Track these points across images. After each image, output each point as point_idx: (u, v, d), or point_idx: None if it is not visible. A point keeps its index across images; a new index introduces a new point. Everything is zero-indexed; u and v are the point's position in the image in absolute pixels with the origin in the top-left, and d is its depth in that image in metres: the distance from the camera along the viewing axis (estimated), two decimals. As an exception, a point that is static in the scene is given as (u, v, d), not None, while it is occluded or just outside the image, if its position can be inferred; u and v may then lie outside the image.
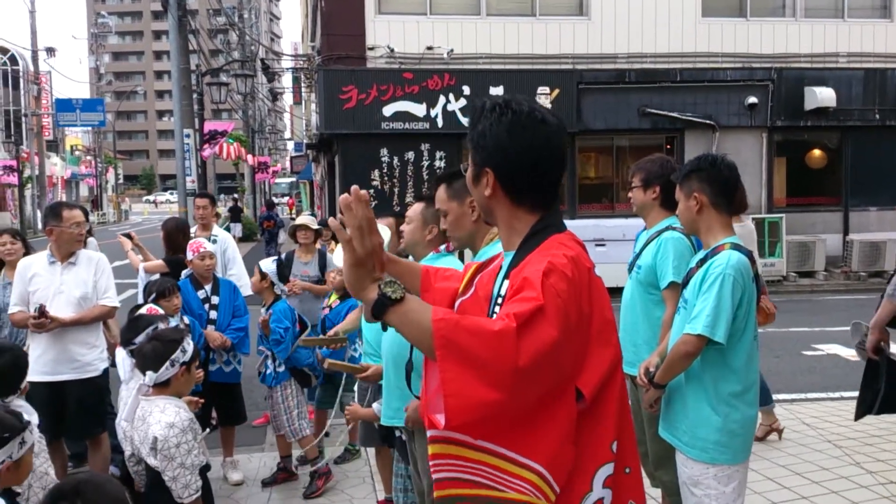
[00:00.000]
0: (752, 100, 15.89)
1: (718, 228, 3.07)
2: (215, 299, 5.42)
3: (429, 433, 1.55)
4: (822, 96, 15.74)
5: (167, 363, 3.10)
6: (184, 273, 5.66)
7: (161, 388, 3.14)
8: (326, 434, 6.23)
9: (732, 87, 15.92)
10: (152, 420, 3.04)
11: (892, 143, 16.40)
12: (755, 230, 12.71)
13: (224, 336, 5.27)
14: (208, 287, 5.43)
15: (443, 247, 3.39)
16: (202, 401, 4.06)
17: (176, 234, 6.28)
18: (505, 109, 1.76)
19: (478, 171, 1.82)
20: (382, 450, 4.54)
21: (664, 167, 3.81)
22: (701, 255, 3.13)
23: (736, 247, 2.98)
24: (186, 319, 5.05)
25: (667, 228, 3.74)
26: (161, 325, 3.77)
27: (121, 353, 3.31)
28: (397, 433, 3.74)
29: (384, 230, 3.65)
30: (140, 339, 3.61)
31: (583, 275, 1.69)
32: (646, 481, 4.31)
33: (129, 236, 6.71)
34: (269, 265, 5.58)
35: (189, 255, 5.43)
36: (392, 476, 4.42)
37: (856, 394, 4.48)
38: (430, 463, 1.55)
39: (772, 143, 16.30)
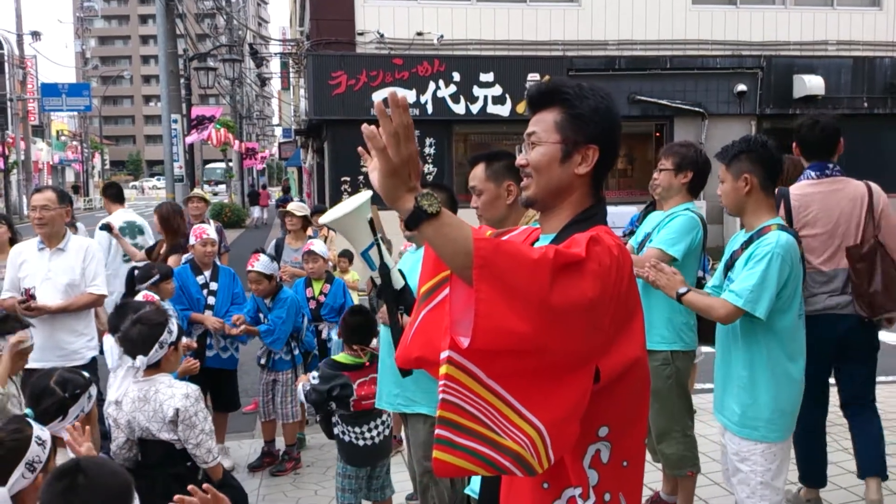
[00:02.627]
0: (742, 87, 15.91)
1: (764, 210, 3.12)
2: (214, 285, 5.42)
3: (446, 353, 1.52)
4: (811, 84, 15.77)
5: (156, 346, 3.15)
6: (184, 258, 5.67)
7: (152, 369, 3.19)
8: (318, 421, 6.25)
9: (722, 74, 15.92)
10: (162, 396, 3.12)
11: (880, 131, 16.46)
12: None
13: (220, 320, 5.24)
14: (207, 273, 5.44)
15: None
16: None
17: (172, 217, 6.29)
18: (603, 93, 1.86)
19: (576, 147, 1.83)
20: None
21: (698, 153, 3.86)
22: (744, 236, 3.16)
23: (783, 227, 3.03)
24: (170, 306, 5.04)
25: (684, 210, 3.79)
26: (149, 309, 3.76)
27: (108, 341, 3.32)
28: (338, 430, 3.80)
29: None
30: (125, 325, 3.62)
31: (626, 264, 1.70)
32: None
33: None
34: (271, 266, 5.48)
35: (191, 240, 5.50)
36: None
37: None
38: (440, 383, 1.53)
39: (760, 130, 16.30)
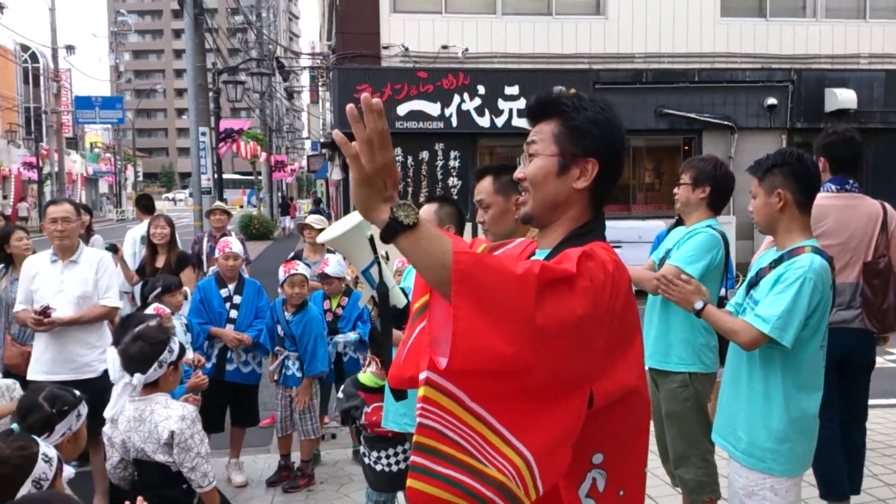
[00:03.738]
0: (772, 101, 15.69)
1: (798, 229, 2.91)
2: (237, 299, 5.38)
3: (425, 374, 1.44)
4: (843, 98, 15.51)
5: (155, 364, 3.08)
6: (211, 270, 5.66)
7: (150, 387, 3.12)
8: (333, 436, 6.19)
9: (751, 87, 15.72)
10: (158, 417, 3.05)
11: (914, 145, 16.14)
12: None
13: (239, 333, 5.20)
14: (232, 286, 5.42)
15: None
16: (199, 398, 4.00)
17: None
18: (603, 104, 1.77)
19: (574, 160, 1.74)
20: None
21: (717, 168, 3.75)
22: (774, 255, 2.96)
23: (817, 250, 2.83)
24: (185, 319, 5.00)
25: (706, 227, 3.67)
26: (153, 325, 3.72)
27: (111, 353, 3.27)
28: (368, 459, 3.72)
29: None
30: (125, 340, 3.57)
31: (622, 280, 1.60)
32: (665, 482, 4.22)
33: (114, 249, 6.70)
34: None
35: (216, 254, 5.53)
36: None
37: (878, 402, 4.36)
38: (418, 406, 1.43)
39: (791, 144, 16.05)
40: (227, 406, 5.37)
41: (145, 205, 8.15)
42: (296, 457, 5.30)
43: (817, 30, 16.13)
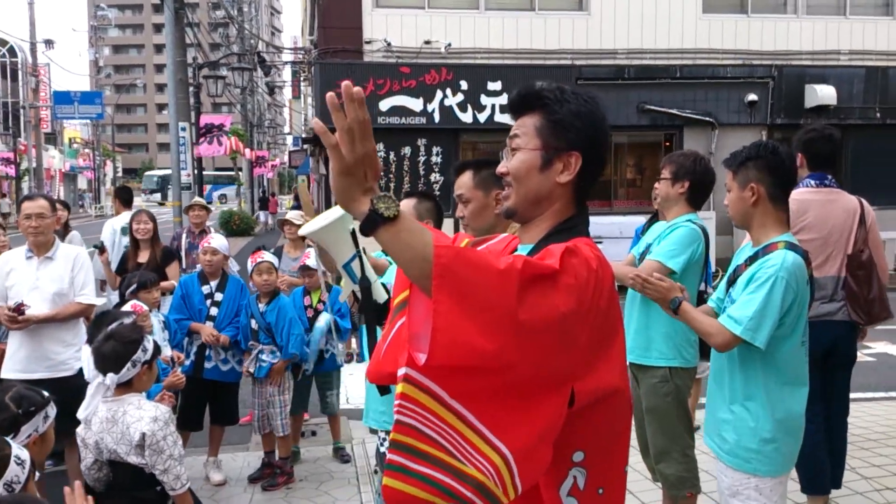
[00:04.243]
0: (752, 97, 15.77)
1: (772, 224, 2.86)
2: (219, 296, 5.31)
3: (403, 370, 1.40)
4: (823, 94, 15.62)
5: (128, 364, 3.01)
6: (198, 266, 5.61)
7: (123, 387, 3.05)
8: (313, 433, 6.14)
9: (732, 84, 15.79)
10: (130, 419, 2.97)
11: (892, 141, 16.28)
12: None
13: (216, 332, 5.15)
14: (214, 283, 5.34)
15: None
16: (173, 396, 3.95)
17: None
18: (587, 97, 1.74)
19: (557, 154, 1.71)
20: None
21: (696, 163, 3.73)
22: (749, 251, 2.91)
23: (791, 246, 2.77)
24: (162, 316, 4.94)
25: (686, 222, 3.66)
26: (127, 322, 3.65)
27: (86, 352, 3.20)
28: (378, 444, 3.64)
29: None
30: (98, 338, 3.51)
31: (606, 277, 1.57)
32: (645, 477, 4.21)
33: (101, 249, 6.63)
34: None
35: (196, 250, 5.45)
36: None
37: (855, 395, 4.38)
38: (396, 402, 1.40)
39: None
40: (206, 404, 5.32)
41: (125, 198, 8.11)
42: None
43: (798, 26, 16.22)
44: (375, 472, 5.20)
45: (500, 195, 2.89)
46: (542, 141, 1.72)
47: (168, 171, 52.10)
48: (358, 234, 2.86)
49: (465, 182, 2.93)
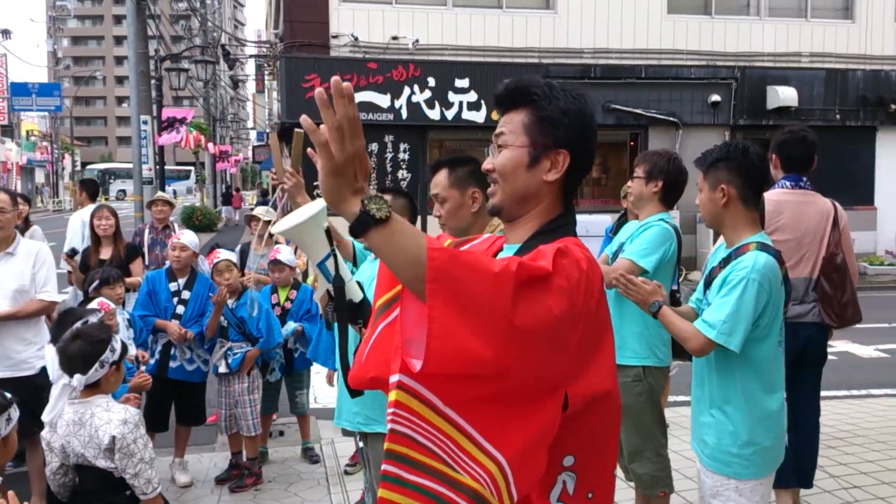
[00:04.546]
0: (716, 98, 15.95)
1: (744, 225, 2.84)
2: (186, 294, 5.19)
3: (396, 377, 1.36)
4: (785, 95, 15.86)
5: (96, 365, 2.90)
6: (168, 263, 5.50)
7: (91, 389, 2.95)
8: (281, 433, 6.06)
9: (696, 84, 15.96)
10: (98, 421, 2.88)
11: (852, 143, 16.59)
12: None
13: (183, 329, 5.03)
14: (182, 280, 5.22)
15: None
16: (139, 397, 3.85)
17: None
18: (575, 93, 1.70)
19: (545, 152, 1.67)
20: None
21: (670, 162, 3.71)
22: (723, 253, 2.90)
23: (763, 247, 2.75)
24: (127, 314, 4.82)
25: (658, 221, 3.65)
26: (93, 320, 3.55)
27: (50, 351, 3.09)
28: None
29: None
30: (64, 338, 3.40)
31: (596, 279, 1.54)
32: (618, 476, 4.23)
33: (73, 253, 6.50)
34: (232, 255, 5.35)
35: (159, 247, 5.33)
36: None
37: (822, 394, 4.43)
38: (389, 411, 1.36)
39: (734, 141, 16.34)
40: (171, 404, 5.21)
41: (92, 191, 7.97)
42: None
43: (760, 28, 16.44)
44: (345, 472, 5.15)
45: (477, 193, 2.88)
46: (530, 138, 1.68)
47: (110, 165, 50.77)
48: (333, 233, 2.82)
49: (440, 181, 2.89)
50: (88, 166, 57.01)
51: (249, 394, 5.02)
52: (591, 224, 13.01)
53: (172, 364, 5.11)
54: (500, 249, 1.80)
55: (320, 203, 2.82)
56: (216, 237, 25.11)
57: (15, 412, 2.55)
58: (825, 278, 4.04)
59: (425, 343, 1.32)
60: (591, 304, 1.52)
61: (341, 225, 1.43)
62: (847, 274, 4.10)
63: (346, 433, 4.83)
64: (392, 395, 1.38)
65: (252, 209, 9.17)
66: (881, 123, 16.84)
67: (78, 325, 3.07)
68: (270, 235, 6.68)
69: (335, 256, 2.77)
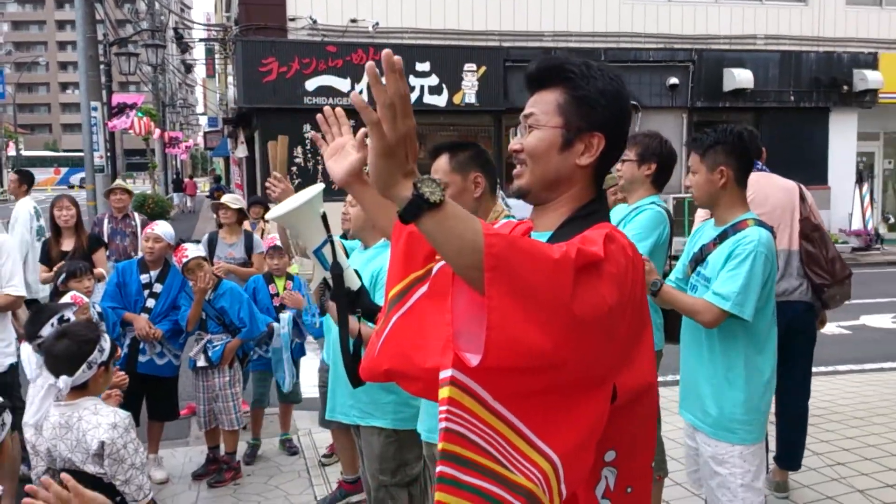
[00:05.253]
0: (674, 80, 16.07)
1: (739, 204, 2.99)
2: (158, 287, 4.99)
3: (449, 373, 1.28)
4: (740, 78, 16.06)
5: (84, 366, 2.74)
6: (140, 253, 5.29)
7: (78, 390, 2.78)
8: (244, 427, 5.91)
9: (654, 67, 16.05)
10: (86, 425, 2.72)
11: (805, 124, 16.88)
12: (675, 210, 12.87)
13: (151, 324, 4.86)
14: (154, 273, 5.02)
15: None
16: (120, 395, 3.70)
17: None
18: (613, 74, 1.62)
19: (578, 134, 1.59)
20: (342, 431, 4.27)
21: (662, 144, 3.67)
22: (716, 230, 3.01)
23: (760, 223, 2.92)
24: (99, 307, 4.63)
25: (650, 204, 3.61)
26: (69, 314, 3.37)
27: (26, 350, 2.92)
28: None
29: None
30: (47, 330, 3.22)
31: (640, 266, 1.48)
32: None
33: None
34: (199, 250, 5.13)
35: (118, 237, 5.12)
36: (353, 456, 4.22)
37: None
38: (442, 408, 1.27)
39: (691, 123, 16.52)
40: (142, 399, 5.03)
41: (29, 182, 7.48)
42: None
43: (717, 11, 16.59)
44: (321, 463, 5.05)
45: (479, 178, 2.79)
46: (564, 119, 1.59)
47: (39, 153, 48.25)
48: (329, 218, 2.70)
49: (441, 166, 2.80)
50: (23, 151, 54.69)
51: (231, 387, 4.88)
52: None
53: (142, 358, 4.93)
54: (527, 236, 1.72)
55: (316, 188, 2.70)
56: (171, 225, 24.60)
57: (8, 417, 2.39)
58: (806, 240, 4.16)
59: (484, 335, 1.23)
60: (637, 291, 1.46)
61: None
62: (824, 231, 4.24)
63: (323, 424, 4.73)
64: (444, 392, 1.29)
65: (210, 195, 8.91)
66: (834, 104, 17.16)
67: (55, 322, 2.90)
68: (239, 223, 6.50)
69: (332, 243, 2.67)
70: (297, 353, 5.47)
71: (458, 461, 1.29)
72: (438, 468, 1.29)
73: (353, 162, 1.83)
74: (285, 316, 5.19)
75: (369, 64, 1.28)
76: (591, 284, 1.32)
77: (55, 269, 4.85)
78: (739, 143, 2.97)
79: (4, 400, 2.44)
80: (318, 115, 1.91)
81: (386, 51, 1.29)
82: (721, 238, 2.95)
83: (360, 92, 14.34)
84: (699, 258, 3.06)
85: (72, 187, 44.05)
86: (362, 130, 1.87)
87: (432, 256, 1.83)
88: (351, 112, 1.29)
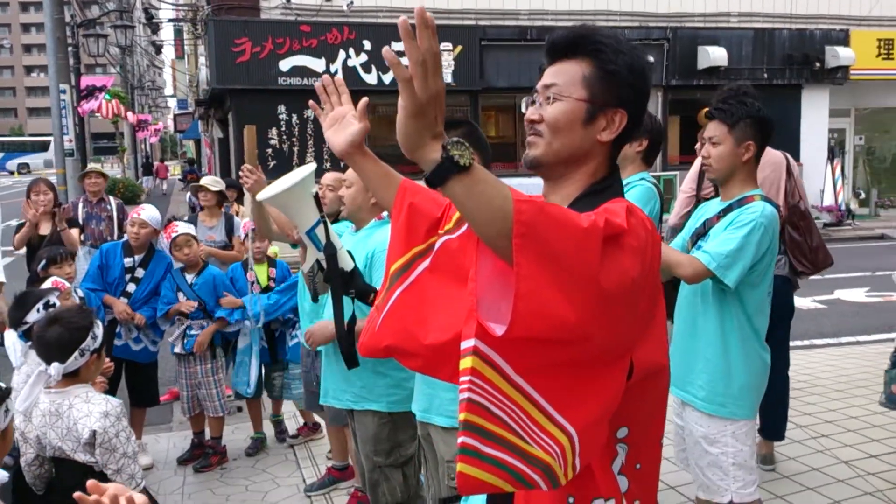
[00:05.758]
0: (649, 59, 15.99)
1: (751, 179, 2.94)
2: (140, 272, 4.91)
3: (472, 342, 1.24)
4: (715, 56, 16.11)
5: (76, 353, 2.67)
6: (124, 237, 5.19)
7: (69, 378, 2.72)
8: (239, 409, 5.87)
9: (630, 45, 16.03)
10: (77, 413, 2.67)
11: (778, 101, 16.95)
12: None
13: (130, 309, 4.78)
14: (138, 257, 4.93)
15: (386, 213, 3.11)
16: (105, 382, 3.64)
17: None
18: (640, 50, 1.59)
19: (603, 109, 1.55)
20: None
21: (653, 120, 3.63)
22: (721, 205, 2.96)
23: (767, 199, 2.88)
24: (81, 292, 4.55)
25: (640, 180, 3.59)
26: (54, 299, 3.31)
27: (10, 336, 2.85)
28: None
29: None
30: (33, 316, 3.15)
31: (658, 240, 1.46)
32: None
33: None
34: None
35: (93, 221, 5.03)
36: (344, 444, 4.23)
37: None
38: (464, 379, 1.25)
39: (666, 101, 16.57)
40: (118, 384, 4.94)
41: None
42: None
43: (691, -12, 16.60)
44: (286, 440, 5.01)
45: (475, 157, 2.76)
46: (589, 92, 1.55)
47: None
48: (321, 198, 2.65)
49: None
50: None
51: (213, 374, 4.83)
52: (530, 187, 12.89)
53: (117, 342, 4.86)
54: None
55: (307, 168, 2.66)
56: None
57: (11, 404, 2.33)
58: (792, 227, 4.14)
59: (511, 304, 1.21)
60: (655, 267, 1.44)
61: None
62: (811, 220, 4.23)
63: (309, 406, 4.71)
64: (467, 362, 1.26)
65: (182, 178, 8.77)
66: (806, 81, 17.28)
67: (41, 307, 2.83)
68: (218, 206, 6.42)
69: (325, 224, 2.63)
70: (264, 357, 5.10)
71: (479, 432, 1.27)
72: (461, 439, 1.26)
73: (355, 132, 1.78)
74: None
75: (402, 19, 1.24)
76: (615, 256, 1.30)
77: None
78: (767, 120, 2.92)
79: (8, 388, 2.38)
80: (317, 84, 1.85)
81: (419, 7, 1.26)
82: (726, 211, 2.91)
83: (335, 73, 14.20)
84: (701, 232, 3.02)
85: (11, 173, 43.17)
86: (364, 99, 1.83)
87: (434, 230, 1.81)
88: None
